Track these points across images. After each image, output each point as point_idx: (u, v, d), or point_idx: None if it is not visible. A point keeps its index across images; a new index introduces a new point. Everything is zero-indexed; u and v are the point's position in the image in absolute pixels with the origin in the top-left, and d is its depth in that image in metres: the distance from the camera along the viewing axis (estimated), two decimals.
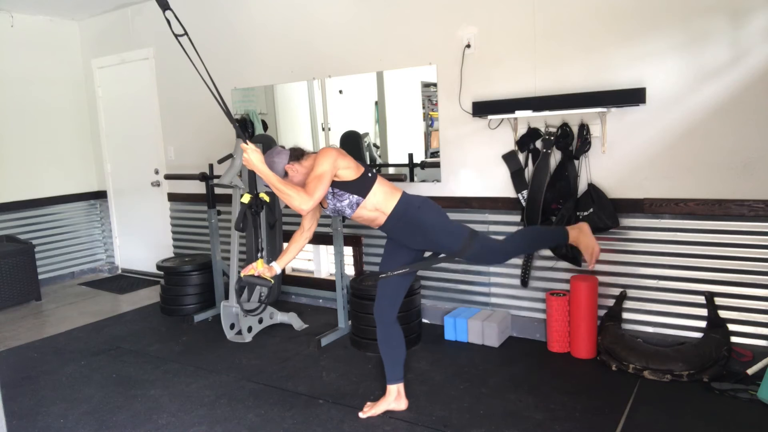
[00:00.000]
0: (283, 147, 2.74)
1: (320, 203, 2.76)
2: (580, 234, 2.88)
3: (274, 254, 3.82)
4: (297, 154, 2.72)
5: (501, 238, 2.87)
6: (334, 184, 2.62)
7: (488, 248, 2.78)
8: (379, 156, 4.31)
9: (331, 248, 4.38)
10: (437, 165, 3.90)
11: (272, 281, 2.75)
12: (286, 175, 2.67)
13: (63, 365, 3.61)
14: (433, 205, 2.74)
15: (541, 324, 3.61)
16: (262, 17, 4.54)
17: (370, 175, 2.67)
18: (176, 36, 2.38)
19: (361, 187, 2.63)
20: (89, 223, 6.07)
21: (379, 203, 2.66)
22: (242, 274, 2.75)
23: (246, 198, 3.15)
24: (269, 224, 3.73)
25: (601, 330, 3.32)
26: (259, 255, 3.05)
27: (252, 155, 2.49)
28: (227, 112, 2.50)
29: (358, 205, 2.65)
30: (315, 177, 2.52)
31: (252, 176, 3.55)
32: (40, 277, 5.37)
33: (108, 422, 2.86)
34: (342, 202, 2.65)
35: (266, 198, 3.23)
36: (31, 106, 5.51)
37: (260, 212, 3.34)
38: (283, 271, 4.69)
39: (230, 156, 4.00)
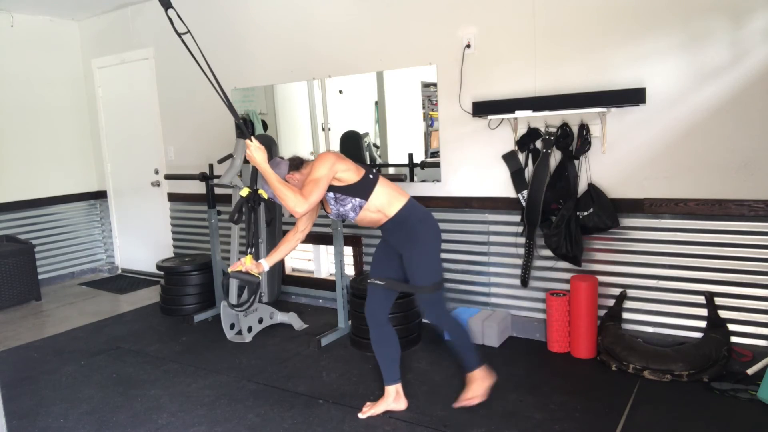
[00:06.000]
0: (282, 158, 2.75)
1: (323, 208, 2.77)
2: (480, 381, 2.84)
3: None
4: (296, 164, 2.73)
5: (449, 310, 2.95)
6: (336, 189, 2.62)
7: (440, 304, 2.81)
8: (379, 156, 4.31)
9: (331, 248, 4.38)
10: (437, 165, 3.90)
11: (259, 277, 2.74)
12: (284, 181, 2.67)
13: (63, 365, 3.61)
14: (433, 225, 2.74)
15: (541, 324, 3.61)
16: (262, 17, 4.54)
17: (371, 176, 2.67)
18: (179, 34, 2.38)
19: (362, 189, 2.63)
20: (89, 223, 6.07)
21: (382, 205, 2.66)
22: (229, 270, 2.74)
23: (245, 191, 3.16)
24: (266, 221, 3.73)
25: (601, 330, 3.32)
26: (248, 251, 3.04)
27: (255, 152, 2.51)
28: (231, 109, 2.50)
29: (361, 207, 2.65)
30: (311, 181, 2.52)
31: (254, 171, 3.56)
32: (40, 277, 5.37)
33: (108, 422, 2.86)
34: (345, 206, 2.65)
35: (264, 194, 3.24)
36: (31, 106, 5.51)
37: (257, 208, 3.34)
38: (283, 270, 4.76)
39: (230, 156, 4.01)
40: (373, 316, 2.83)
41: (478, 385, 2.85)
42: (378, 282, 2.81)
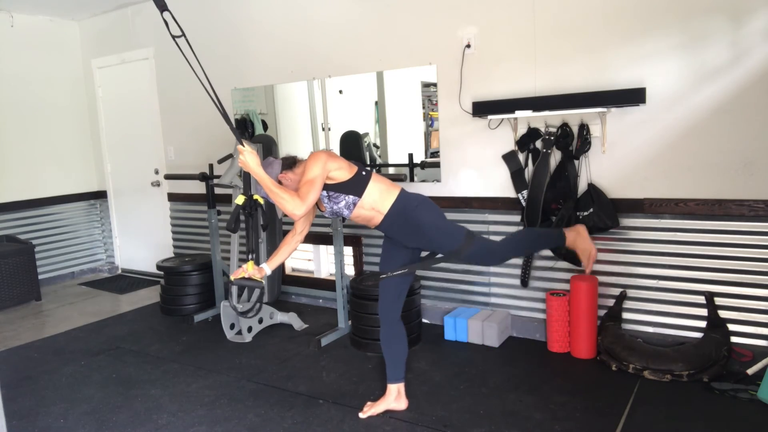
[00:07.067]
0: (274, 158, 2.75)
1: (317, 207, 2.77)
2: (578, 237, 2.89)
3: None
4: (288, 163, 2.74)
5: (498, 239, 2.87)
6: (329, 187, 2.62)
7: (485, 249, 2.79)
8: (379, 156, 4.31)
9: (331, 248, 4.38)
10: (437, 165, 3.90)
11: (263, 282, 2.75)
12: (279, 184, 2.67)
13: (63, 365, 3.61)
14: (431, 205, 2.73)
15: (541, 324, 3.61)
16: (262, 17, 4.54)
17: (364, 173, 2.67)
18: (173, 37, 2.38)
19: (355, 186, 2.63)
20: (89, 223, 6.07)
21: (375, 202, 2.65)
22: (232, 278, 2.75)
23: (240, 199, 3.15)
24: (262, 227, 3.73)
25: (601, 330, 3.32)
26: (249, 257, 3.05)
27: (248, 157, 2.50)
28: (224, 113, 2.49)
29: (354, 204, 2.65)
30: (306, 182, 2.52)
31: (247, 178, 3.56)
32: (40, 277, 5.37)
33: (108, 422, 2.86)
34: (338, 203, 2.65)
35: (260, 200, 3.25)
36: (31, 106, 5.51)
37: (253, 214, 3.35)
38: (284, 270, 4.76)
39: (230, 156, 4.01)
40: (386, 314, 2.82)
41: (580, 246, 2.83)
42: (400, 271, 2.76)
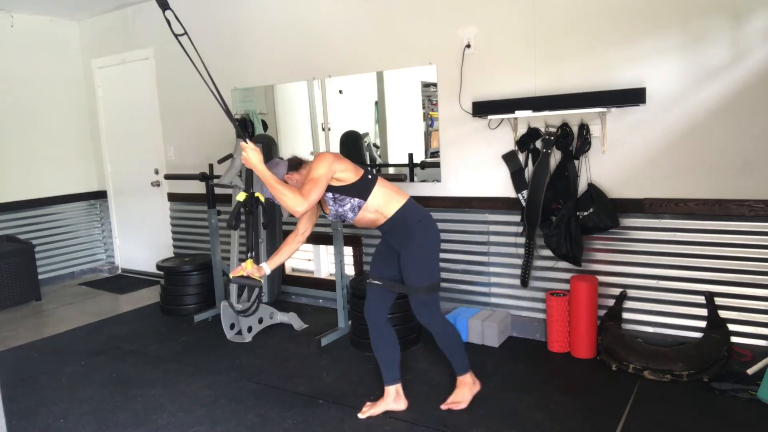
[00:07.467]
0: (281, 158, 2.74)
1: (322, 209, 2.77)
2: (471, 386, 2.84)
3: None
4: (295, 164, 2.73)
5: (442, 313, 2.87)
6: (335, 189, 2.62)
7: (434, 307, 2.79)
8: (379, 156, 4.31)
9: (331, 248, 4.38)
10: (437, 165, 3.90)
11: (261, 281, 2.74)
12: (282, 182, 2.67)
13: (63, 365, 3.61)
14: (432, 226, 2.73)
15: (541, 324, 3.61)
16: (262, 17, 4.54)
17: (370, 177, 2.67)
18: (176, 36, 2.38)
19: (361, 189, 2.63)
20: (89, 223, 6.07)
21: (380, 205, 2.65)
22: (231, 275, 2.75)
23: (241, 196, 3.16)
24: (263, 224, 3.72)
25: (601, 330, 3.32)
26: (249, 255, 3.06)
27: (251, 154, 2.50)
28: (227, 111, 2.50)
29: (360, 207, 2.65)
30: (310, 180, 2.52)
31: (249, 175, 3.56)
32: (40, 277, 5.37)
33: (108, 422, 2.86)
34: (344, 206, 2.65)
35: (261, 197, 3.26)
36: (31, 106, 5.51)
37: (254, 211, 3.35)
38: (284, 270, 4.76)
39: (230, 156, 4.01)
40: (371, 317, 2.83)
41: (465, 391, 2.84)
42: (376, 282, 2.80)
